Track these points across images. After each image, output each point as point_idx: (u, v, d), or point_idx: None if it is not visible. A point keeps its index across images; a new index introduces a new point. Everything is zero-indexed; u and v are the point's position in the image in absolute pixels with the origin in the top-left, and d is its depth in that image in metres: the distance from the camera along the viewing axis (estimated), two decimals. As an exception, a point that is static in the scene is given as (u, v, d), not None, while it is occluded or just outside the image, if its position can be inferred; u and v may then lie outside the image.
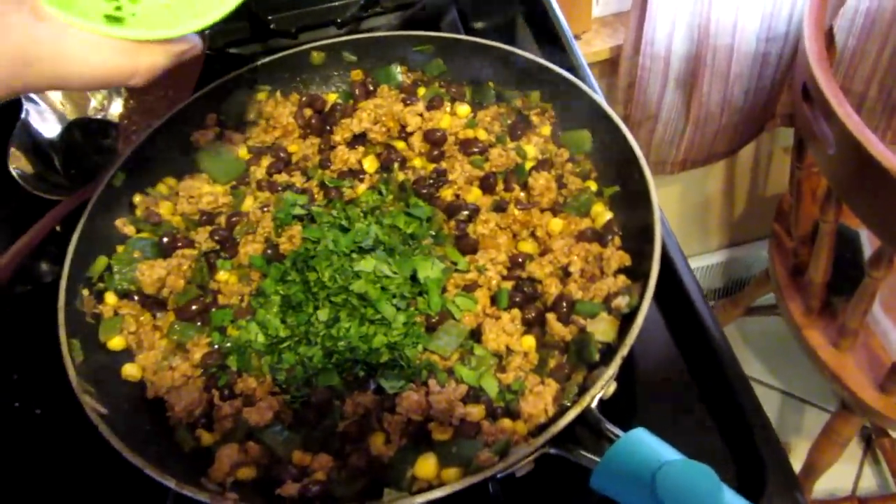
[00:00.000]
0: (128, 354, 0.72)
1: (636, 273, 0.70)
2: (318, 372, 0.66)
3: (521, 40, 1.13)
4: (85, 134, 1.00)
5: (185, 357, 0.71)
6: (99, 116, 1.00)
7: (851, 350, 1.37)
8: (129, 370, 0.70)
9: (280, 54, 0.89)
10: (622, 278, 0.69)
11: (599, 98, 0.77)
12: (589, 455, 0.56)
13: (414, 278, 0.70)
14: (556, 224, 0.75)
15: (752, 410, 0.70)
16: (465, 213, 0.76)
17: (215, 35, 1.10)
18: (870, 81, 1.61)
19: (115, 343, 0.72)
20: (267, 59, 0.89)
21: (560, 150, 0.81)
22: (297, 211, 0.77)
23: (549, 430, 0.57)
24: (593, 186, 0.78)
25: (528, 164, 0.80)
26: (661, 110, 1.64)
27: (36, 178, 0.92)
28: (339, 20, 1.08)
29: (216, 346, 0.71)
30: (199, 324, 0.74)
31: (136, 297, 0.75)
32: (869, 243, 1.55)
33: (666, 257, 0.77)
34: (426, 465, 0.60)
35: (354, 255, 0.71)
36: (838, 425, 1.52)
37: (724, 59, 1.52)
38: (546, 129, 0.83)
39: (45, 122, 0.99)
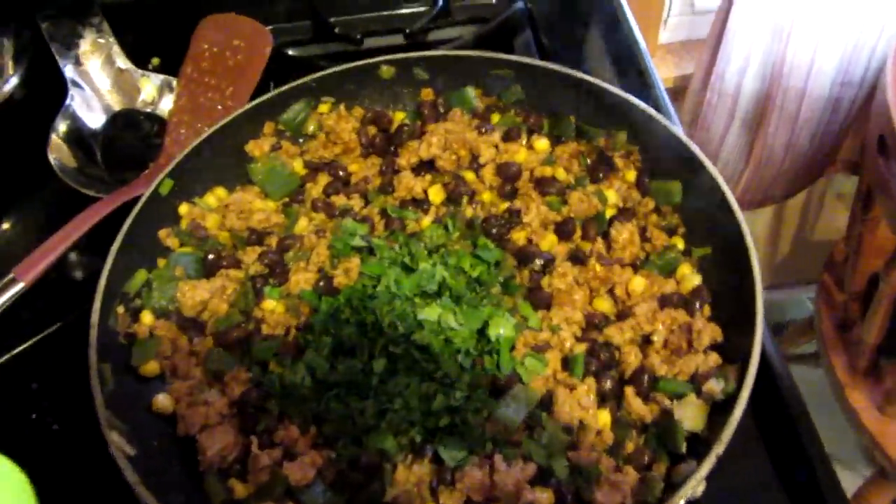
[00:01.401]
0: (160, 383, 0.66)
1: (727, 351, 0.63)
2: (370, 430, 0.59)
3: (594, 60, 1.06)
4: (130, 127, 0.94)
5: (221, 392, 0.65)
6: (148, 110, 0.94)
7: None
8: (162, 402, 0.64)
9: (347, 65, 0.83)
10: (714, 356, 0.62)
11: (696, 149, 0.70)
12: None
13: (481, 331, 0.63)
14: (639, 283, 0.68)
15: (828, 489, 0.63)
16: (540, 262, 0.69)
17: (274, 33, 1.04)
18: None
19: (149, 368, 0.66)
20: (333, 70, 0.82)
21: (645, 199, 0.74)
22: (356, 242, 0.70)
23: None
24: (680, 244, 0.71)
25: (609, 212, 0.73)
26: (722, 149, 1.57)
27: (76, 170, 0.87)
28: (407, 30, 1.02)
29: (257, 384, 0.65)
30: (239, 354, 0.67)
31: (173, 318, 0.69)
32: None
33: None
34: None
35: (418, 300, 0.64)
36: (872, 493, 1.45)
37: (795, 102, 1.44)
38: (631, 175, 0.76)
39: (91, 110, 0.93)
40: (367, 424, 0.60)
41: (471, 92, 0.83)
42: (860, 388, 1.36)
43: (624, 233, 0.70)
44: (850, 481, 1.50)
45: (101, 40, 0.95)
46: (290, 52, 1.05)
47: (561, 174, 0.76)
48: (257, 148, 0.80)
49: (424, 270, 0.66)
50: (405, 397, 0.59)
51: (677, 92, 1.60)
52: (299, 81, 0.82)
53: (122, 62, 0.95)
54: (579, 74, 0.78)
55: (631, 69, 0.98)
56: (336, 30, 1.03)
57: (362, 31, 1.04)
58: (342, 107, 0.83)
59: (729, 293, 0.65)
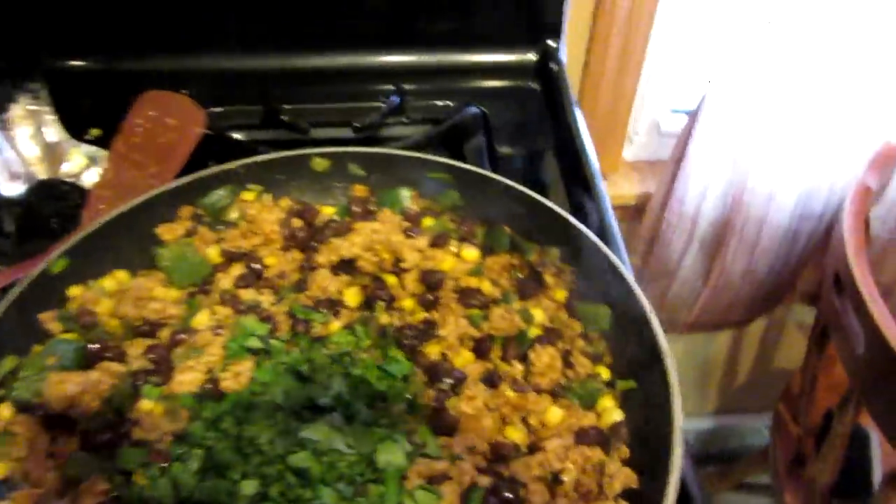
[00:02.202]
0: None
1: (642, 501, 0.57)
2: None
3: (545, 174, 1.04)
4: (52, 197, 0.89)
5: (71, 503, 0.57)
6: (72, 181, 0.90)
7: (848, 559, 1.25)
8: (-2, 512, 0.56)
9: (279, 154, 0.80)
10: (624, 506, 0.56)
11: (630, 277, 0.66)
12: None
13: (370, 457, 0.57)
14: (555, 414, 0.62)
15: None
16: (449, 381, 0.63)
17: (220, 115, 1.02)
18: (896, 277, 1.53)
19: (-5, 470, 0.58)
20: (263, 158, 0.79)
21: (572, 321, 0.70)
22: (253, 343, 0.64)
23: None
24: (605, 374, 0.66)
25: (533, 333, 0.68)
26: (679, 269, 1.55)
27: (-24, 238, 0.81)
28: (357, 124, 1.00)
29: (114, 497, 0.57)
30: (102, 460, 0.60)
31: (39, 412, 0.62)
32: (879, 446, 1.44)
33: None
34: None
35: (306, 415, 0.58)
36: None
37: (754, 230, 1.44)
38: (560, 294, 0.72)
39: (11, 178, 0.89)
40: (227, 557, 0.52)
41: (405, 193, 0.80)
42: None
43: (544, 356, 0.65)
44: None
45: (34, 107, 0.92)
46: (235, 136, 1.02)
47: (487, 287, 0.72)
48: (169, 232, 0.75)
49: (319, 382, 0.60)
50: (272, 529, 0.52)
51: (639, 209, 1.60)
52: (225, 166, 0.78)
53: (54, 133, 0.92)
54: (516, 185, 0.75)
55: (580, 187, 0.96)
56: (284, 117, 1.01)
57: (312, 120, 1.02)
58: (269, 196, 0.79)
59: (651, 435, 0.60)
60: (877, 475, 1.38)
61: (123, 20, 1.03)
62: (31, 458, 0.59)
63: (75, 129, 0.95)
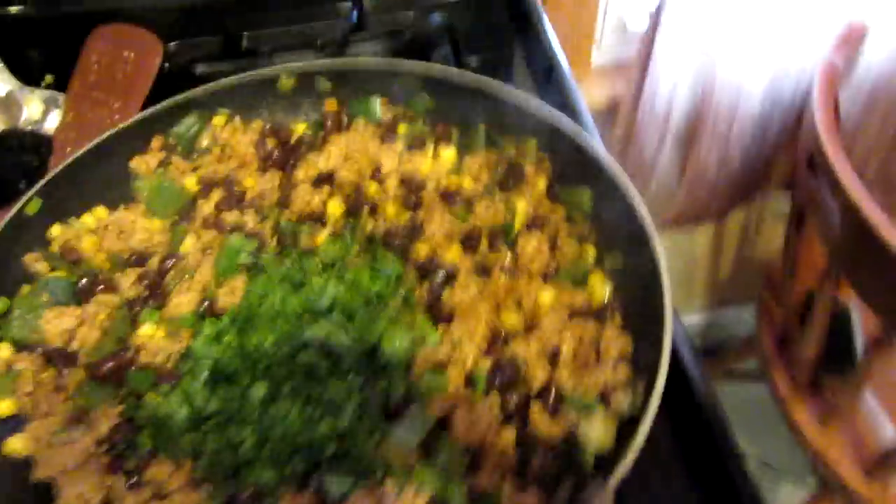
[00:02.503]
0: (15, 422, 0.59)
1: (639, 363, 0.58)
2: (249, 462, 0.53)
3: (517, 81, 1.03)
4: (12, 150, 0.88)
5: (87, 429, 0.58)
6: (31, 129, 0.88)
7: (838, 430, 1.30)
8: (14, 444, 0.57)
9: (244, 76, 0.78)
10: (623, 369, 0.58)
11: (606, 155, 0.67)
12: None
13: (374, 350, 0.58)
14: (547, 295, 0.63)
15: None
16: (442, 274, 0.64)
17: (180, 49, 0.99)
18: (868, 156, 1.55)
19: (4, 408, 0.59)
20: (229, 81, 0.78)
21: (556, 207, 0.71)
22: (244, 259, 0.65)
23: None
24: (592, 253, 0.68)
25: (519, 222, 0.69)
26: (656, 166, 1.56)
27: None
28: (319, 43, 0.98)
29: (128, 419, 0.58)
30: (111, 388, 0.61)
31: (39, 350, 0.62)
32: (860, 320, 1.49)
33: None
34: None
35: (306, 318, 0.59)
36: (816, 507, 1.44)
37: (726, 120, 1.45)
38: (542, 183, 0.72)
39: (-31, 131, 0.87)
40: (247, 456, 0.54)
41: (376, 102, 0.79)
42: (802, 402, 1.37)
43: (532, 242, 0.66)
44: (798, 496, 1.48)
45: (-17, 59, 0.89)
46: (199, 69, 1.00)
47: (468, 184, 0.72)
48: (144, 164, 0.74)
49: (315, 286, 0.61)
50: (287, 424, 0.54)
51: (612, 112, 1.60)
52: (191, 92, 0.77)
53: (5, 83, 0.89)
54: (487, 79, 0.75)
55: (555, 94, 0.95)
56: (245, 44, 0.99)
57: (273, 45, 1.00)
58: (238, 119, 0.78)
59: (641, 303, 0.61)
60: (859, 347, 1.43)
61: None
62: (38, 393, 0.60)
63: (28, 78, 0.92)
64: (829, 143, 1.10)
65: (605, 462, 0.53)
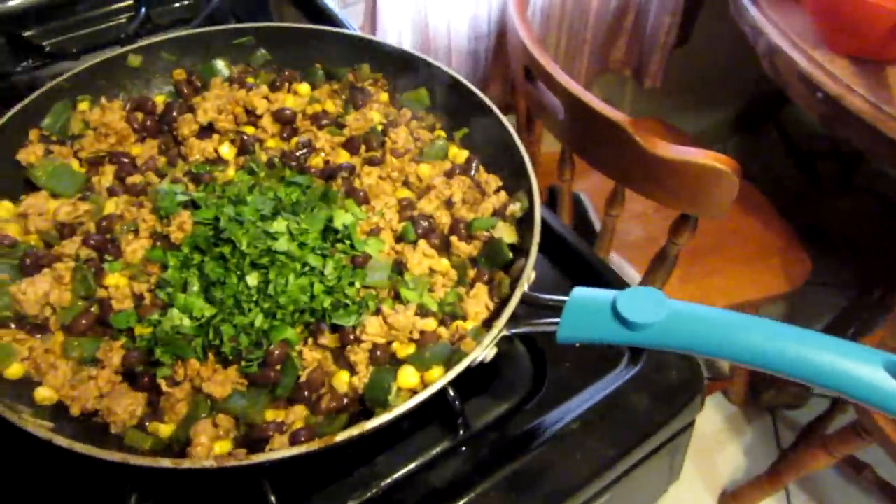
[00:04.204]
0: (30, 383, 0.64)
1: (511, 189, 0.81)
2: (268, 331, 0.66)
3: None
4: None
5: (101, 365, 0.65)
6: None
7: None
8: (42, 393, 0.62)
9: (92, 62, 0.85)
10: (502, 194, 0.80)
11: (422, 55, 0.88)
12: (546, 320, 0.65)
13: (326, 230, 0.73)
14: (426, 168, 0.83)
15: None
16: (345, 171, 0.80)
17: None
18: (558, 55, 1.95)
19: (13, 371, 0.63)
20: (80, 69, 0.84)
21: (402, 110, 0.90)
22: (182, 198, 0.75)
23: (506, 311, 0.65)
24: (442, 134, 0.88)
25: (379, 126, 0.87)
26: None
27: None
28: (123, 35, 1.04)
29: (134, 349, 0.66)
30: (98, 336, 0.68)
31: (12, 325, 0.67)
32: (590, 201, 1.87)
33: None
34: (407, 375, 0.64)
35: (264, 221, 0.72)
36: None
37: (445, 57, 1.74)
38: (384, 96, 0.91)
39: None
40: (262, 329, 0.66)
41: (220, 63, 0.91)
42: None
43: (400, 134, 0.85)
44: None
45: None
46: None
47: (331, 107, 0.88)
48: (31, 154, 0.78)
49: (256, 197, 0.74)
50: (288, 293, 0.67)
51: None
52: (49, 85, 0.82)
53: None
54: (311, 25, 0.91)
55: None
56: (48, 50, 1.02)
57: (78, 47, 1.04)
58: (103, 100, 0.85)
59: (495, 151, 0.83)
60: (597, 225, 1.79)
61: None
62: (35, 356, 0.65)
63: None
64: (539, 55, 1.39)
65: (517, 252, 0.75)
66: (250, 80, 0.90)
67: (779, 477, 1.88)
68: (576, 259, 0.86)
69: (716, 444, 2.08)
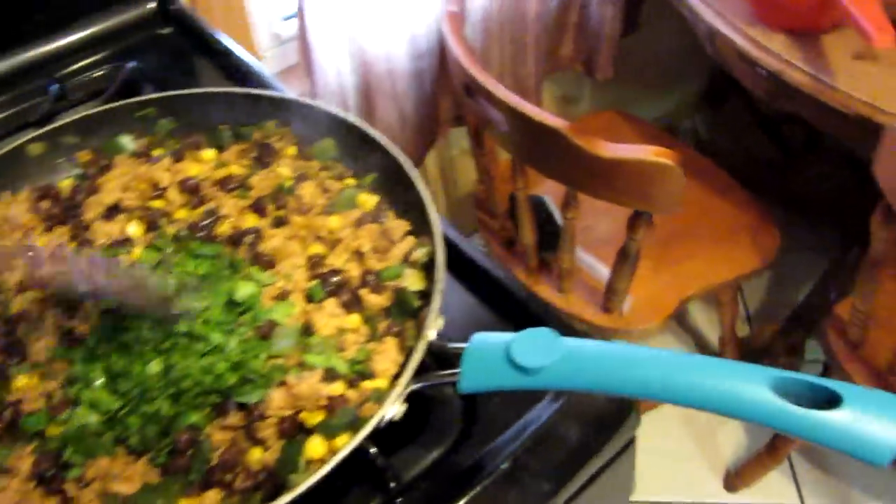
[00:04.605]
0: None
1: (419, 232, 0.80)
2: (174, 417, 0.65)
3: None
4: None
5: (10, 475, 0.65)
6: None
7: (573, 290, 1.65)
8: (-50, 511, 0.62)
9: (-8, 155, 0.85)
10: (410, 239, 0.79)
11: (326, 106, 0.87)
12: (447, 371, 0.65)
13: (229, 303, 0.73)
14: (335, 220, 0.82)
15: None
16: (251, 236, 0.80)
17: None
18: (502, 72, 1.94)
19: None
20: (-24, 166, 0.84)
21: (311, 162, 0.89)
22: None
23: (409, 366, 0.64)
24: (351, 182, 0.88)
25: (287, 182, 0.87)
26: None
27: None
28: (33, 119, 1.04)
29: (44, 452, 0.66)
30: (9, 441, 0.68)
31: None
32: (553, 203, 1.86)
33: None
34: (314, 446, 0.63)
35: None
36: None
37: (388, 82, 1.73)
38: (291, 150, 0.90)
39: None
40: (169, 416, 0.66)
41: (125, 139, 0.91)
42: (541, 282, 1.69)
43: (307, 189, 0.84)
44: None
45: None
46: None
47: (237, 170, 0.88)
48: (-67, 261, 0.78)
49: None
50: (192, 376, 0.66)
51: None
52: (-53, 188, 0.82)
53: None
54: (212, 89, 0.91)
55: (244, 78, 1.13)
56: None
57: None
58: (7, 194, 0.85)
59: (402, 197, 0.83)
60: (559, 222, 1.79)
61: None
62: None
63: None
64: (476, 72, 1.39)
65: (425, 294, 0.74)
66: (157, 152, 0.90)
67: (777, 450, 1.87)
68: (504, 294, 0.85)
69: (717, 422, 2.06)
